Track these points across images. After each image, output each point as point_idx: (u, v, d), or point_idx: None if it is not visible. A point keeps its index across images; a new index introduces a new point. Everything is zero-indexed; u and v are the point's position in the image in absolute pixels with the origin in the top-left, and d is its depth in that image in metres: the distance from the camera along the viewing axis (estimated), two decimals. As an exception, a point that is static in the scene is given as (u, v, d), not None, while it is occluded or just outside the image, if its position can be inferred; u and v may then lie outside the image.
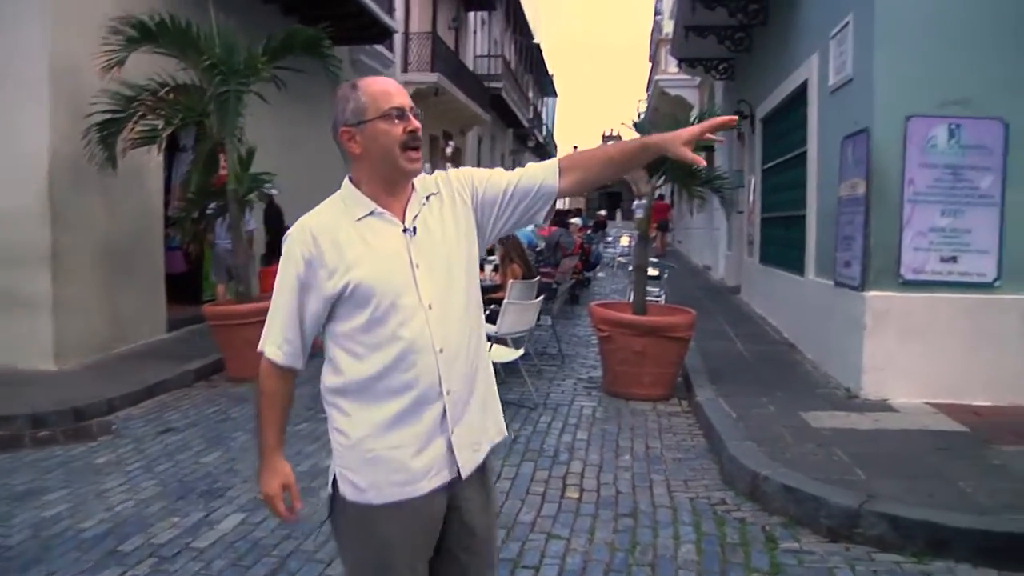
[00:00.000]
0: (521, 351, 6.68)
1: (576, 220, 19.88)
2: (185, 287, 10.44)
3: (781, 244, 10.21)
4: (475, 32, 27.68)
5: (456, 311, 2.00)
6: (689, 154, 2.05)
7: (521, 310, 6.82)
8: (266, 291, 8.89)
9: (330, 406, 2.02)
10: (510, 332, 6.70)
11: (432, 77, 18.37)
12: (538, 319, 7.29)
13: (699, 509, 4.43)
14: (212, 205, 8.39)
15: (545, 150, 46.34)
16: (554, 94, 53.68)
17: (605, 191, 30.00)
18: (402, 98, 1.97)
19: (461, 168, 2.23)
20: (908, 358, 6.21)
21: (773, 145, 10.86)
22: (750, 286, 12.73)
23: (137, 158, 7.94)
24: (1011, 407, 5.96)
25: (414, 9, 19.15)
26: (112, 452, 5.39)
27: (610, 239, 25.02)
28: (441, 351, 1.94)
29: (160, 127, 7.63)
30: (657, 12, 26.42)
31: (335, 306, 1.96)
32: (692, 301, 9.79)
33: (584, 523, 4.23)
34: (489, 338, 6.92)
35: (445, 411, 1.95)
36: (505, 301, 6.85)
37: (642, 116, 20.85)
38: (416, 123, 1.97)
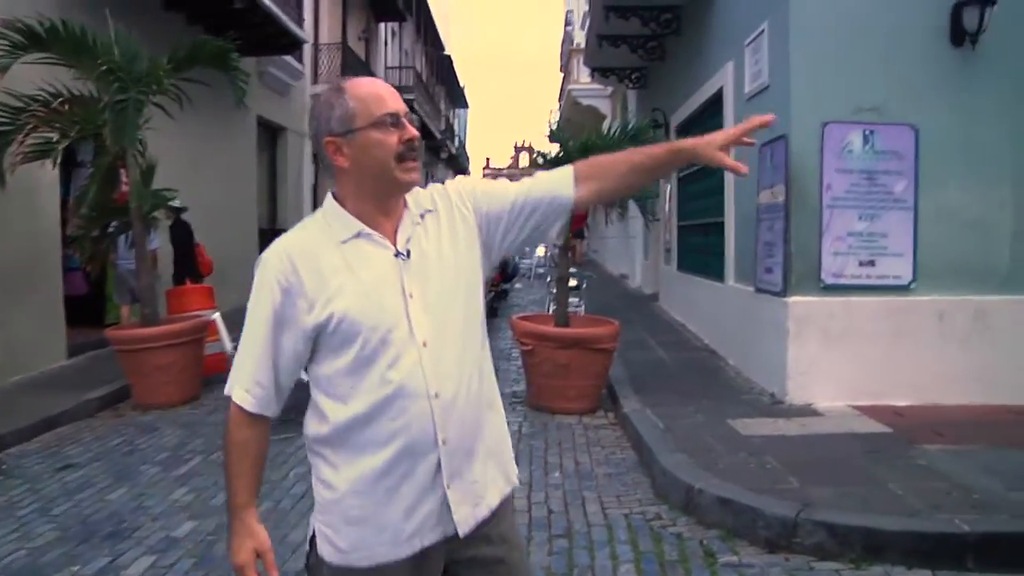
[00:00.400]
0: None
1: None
2: (87, 310, 9.90)
3: (699, 251, 10.27)
4: (386, 43, 27.37)
5: (455, 348, 1.75)
6: (728, 160, 1.86)
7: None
8: (173, 312, 8.46)
9: (315, 456, 1.79)
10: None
11: (342, 89, 18.02)
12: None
13: (635, 526, 4.31)
14: (113, 223, 7.93)
15: (458, 162, 46.20)
16: (465, 105, 53.63)
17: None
18: (396, 102, 1.75)
19: (460, 179, 1.99)
20: (830, 361, 6.26)
21: (688, 153, 10.92)
22: (668, 293, 12.81)
23: (30, 174, 7.44)
24: (930, 406, 6.07)
25: (323, 19, 18.77)
26: (2, 495, 4.93)
27: (526, 249, 24.99)
28: (436, 395, 1.69)
29: (55, 140, 7.16)
30: (568, 22, 26.56)
31: (317, 343, 1.73)
32: (611, 310, 9.76)
33: (518, 547, 4.05)
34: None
35: (440, 463, 1.71)
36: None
37: (556, 126, 20.81)
38: (413, 130, 1.75)
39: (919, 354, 6.19)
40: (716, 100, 8.86)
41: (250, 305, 1.75)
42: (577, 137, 7.97)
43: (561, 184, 1.88)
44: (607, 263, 24.37)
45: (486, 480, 1.82)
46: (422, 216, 1.81)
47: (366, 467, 1.70)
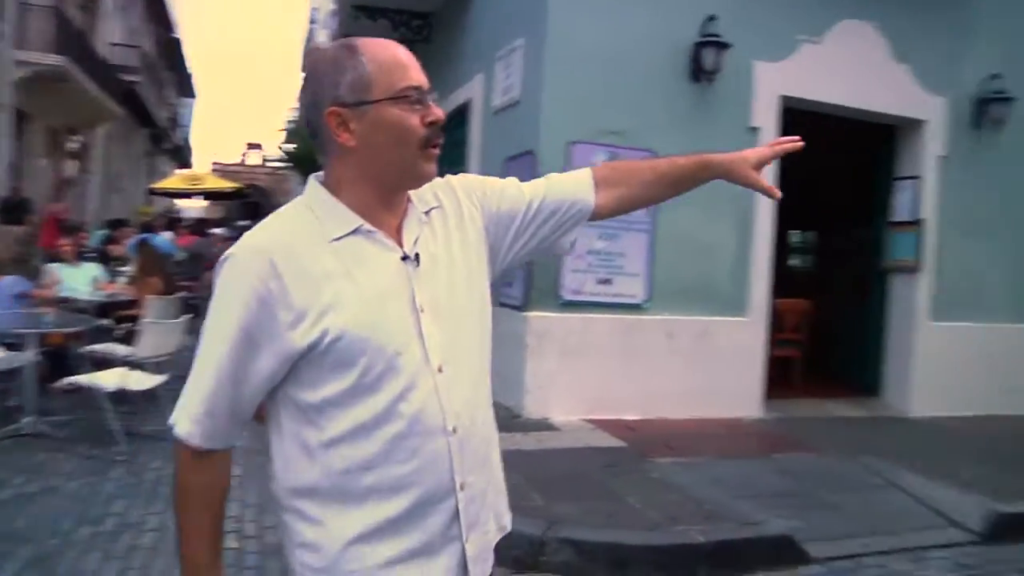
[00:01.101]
0: (163, 377, 5.84)
1: (219, 230, 18.63)
2: None
3: (440, 262, 10.19)
4: (110, 16, 25.00)
5: (471, 372, 1.44)
6: (762, 181, 1.69)
7: (162, 330, 6.00)
8: None
9: (290, 513, 1.39)
10: (151, 356, 5.85)
11: (56, 60, 16.10)
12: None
13: (378, 548, 4.04)
14: None
15: (182, 154, 43.40)
16: (193, 95, 50.56)
17: (243, 200, 28.47)
18: (419, 74, 1.40)
19: (466, 175, 1.66)
20: (567, 376, 6.39)
21: (432, 163, 10.86)
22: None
23: None
24: (659, 420, 6.38)
25: (33, -21, 16.67)
26: None
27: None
28: (454, 431, 1.37)
29: None
30: (312, 20, 25.77)
31: (299, 365, 1.34)
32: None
33: (249, 578, 3.66)
34: (126, 362, 6.04)
35: (458, 512, 1.39)
36: (144, 320, 6.02)
37: (291, 125, 20.06)
38: (439, 111, 1.41)
39: (650, 370, 6.50)
40: (463, 111, 8.85)
41: (210, 315, 1.36)
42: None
43: (581, 188, 1.65)
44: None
45: (490, 527, 1.53)
46: (427, 213, 1.49)
47: (365, 521, 1.35)
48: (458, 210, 1.55)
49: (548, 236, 1.65)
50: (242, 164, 54.37)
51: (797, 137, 1.73)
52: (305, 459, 1.37)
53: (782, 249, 9.07)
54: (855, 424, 6.97)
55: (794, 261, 11.02)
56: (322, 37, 19.99)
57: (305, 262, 1.33)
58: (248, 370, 1.34)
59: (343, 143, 1.39)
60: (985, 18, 7.61)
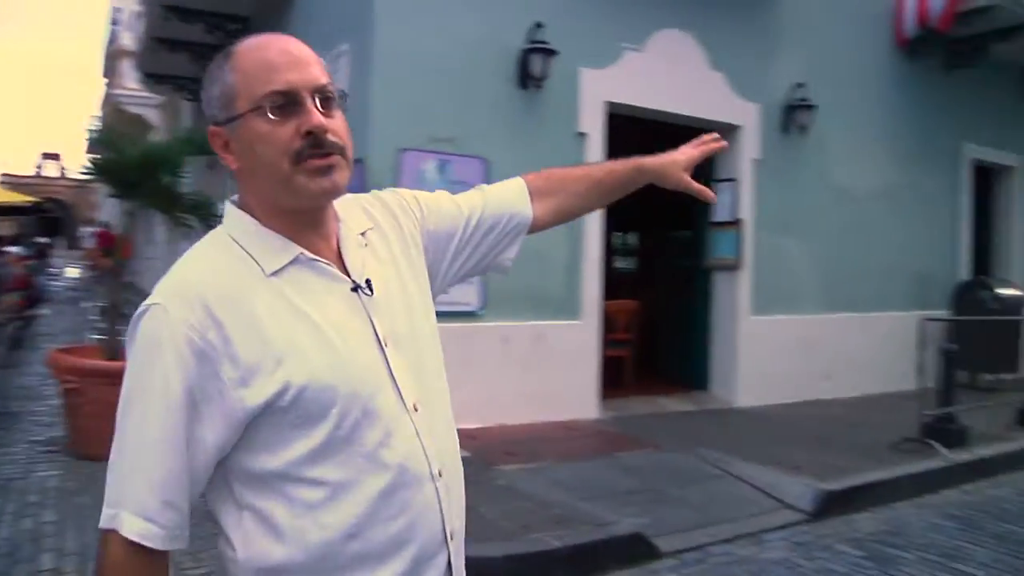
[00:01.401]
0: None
1: (15, 248, 17.08)
2: None
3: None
4: None
5: (443, 407, 1.31)
6: (695, 184, 1.65)
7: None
8: None
9: None
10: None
11: None
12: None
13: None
14: None
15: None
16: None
17: (41, 215, 26.32)
18: (294, 72, 1.17)
19: (398, 190, 1.47)
20: (406, 388, 6.25)
21: (253, 172, 10.42)
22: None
23: None
24: (499, 427, 6.37)
25: None
26: None
27: (53, 270, 22.19)
28: (440, 475, 1.22)
29: None
30: (115, 22, 24.10)
31: (252, 427, 1.12)
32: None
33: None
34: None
35: (450, 565, 1.23)
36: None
37: (95, 134, 18.69)
38: (317, 118, 1.16)
39: (487, 376, 6.46)
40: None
41: (134, 382, 1.12)
42: (133, 145, 7.07)
43: (518, 200, 1.56)
44: (149, 286, 22.50)
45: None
46: (363, 235, 1.31)
47: None
48: (397, 229, 1.40)
49: (487, 253, 1.55)
50: (38, 176, 50.42)
51: (717, 135, 1.73)
52: (271, 536, 1.14)
53: (608, 251, 9.33)
54: (687, 418, 7.25)
55: (619, 263, 11.37)
56: (126, 40, 18.78)
57: (244, 304, 1.14)
58: (197, 442, 1.11)
59: (229, 165, 1.23)
60: (791, 31, 8.19)
